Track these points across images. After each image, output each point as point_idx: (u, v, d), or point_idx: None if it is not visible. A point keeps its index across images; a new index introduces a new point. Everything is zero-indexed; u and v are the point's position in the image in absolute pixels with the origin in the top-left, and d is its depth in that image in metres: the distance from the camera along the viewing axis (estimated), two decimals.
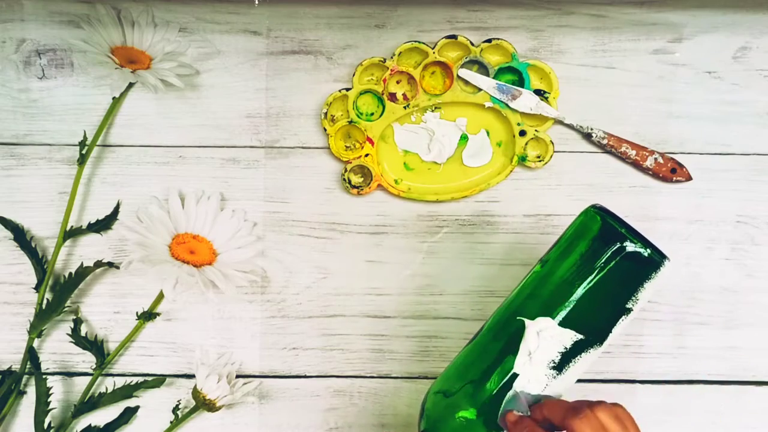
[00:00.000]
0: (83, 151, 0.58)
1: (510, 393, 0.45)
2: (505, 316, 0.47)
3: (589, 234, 0.46)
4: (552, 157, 0.59)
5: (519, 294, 0.48)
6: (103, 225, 0.59)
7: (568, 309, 0.45)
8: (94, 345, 0.60)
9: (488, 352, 0.46)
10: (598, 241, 0.45)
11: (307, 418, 0.62)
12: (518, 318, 0.45)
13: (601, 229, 0.45)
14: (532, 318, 0.45)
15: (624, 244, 0.44)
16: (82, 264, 0.60)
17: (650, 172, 0.59)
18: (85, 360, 0.61)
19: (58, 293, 0.58)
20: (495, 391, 0.45)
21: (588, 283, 0.45)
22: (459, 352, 0.49)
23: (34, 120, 0.59)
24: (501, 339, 0.46)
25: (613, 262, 0.44)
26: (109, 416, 0.61)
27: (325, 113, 0.58)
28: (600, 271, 0.44)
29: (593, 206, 0.47)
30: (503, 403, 0.45)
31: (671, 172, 0.59)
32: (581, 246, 0.46)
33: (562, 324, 0.45)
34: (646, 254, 0.44)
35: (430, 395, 0.48)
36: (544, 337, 0.45)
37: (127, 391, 0.60)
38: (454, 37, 0.57)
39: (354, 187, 0.59)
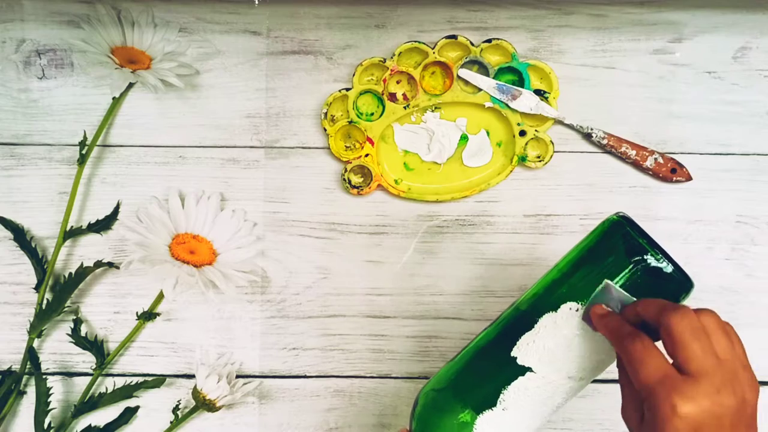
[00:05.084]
0: (83, 151, 0.58)
1: (600, 285, 0.41)
2: (510, 321, 0.45)
3: (607, 243, 0.42)
4: (552, 157, 0.59)
5: (527, 298, 0.45)
6: (103, 225, 0.59)
7: None
8: (94, 345, 0.60)
9: (488, 355, 0.45)
10: (615, 251, 0.41)
11: (307, 418, 0.62)
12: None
13: (621, 238, 0.42)
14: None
15: (644, 258, 0.40)
16: (82, 264, 0.60)
17: (650, 172, 0.59)
18: (85, 360, 0.61)
19: (58, 293, 0.58)
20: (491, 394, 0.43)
21: None
22: (457, 353, 0.48)
23: (34, 120, 0.59)
24: (503, 344, 0.44)
25: (630, 276, 0.41)
26: (109, 416, 0.61)
27: (325, 113, 0.59)
28: (615, 284, 0.41)
29: (616, 214, 0.43)
30: (591, 297, 0.41)
31: (671, 172, 0.59)
32: (597, 254, 0.42)
33: None
34: (668, 271, 0.40)
35: (422, 395, 0.47)
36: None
37: (127, 391, 0.60)
38: (454, 37, 0.57)
39: (354, 187, 0.59)
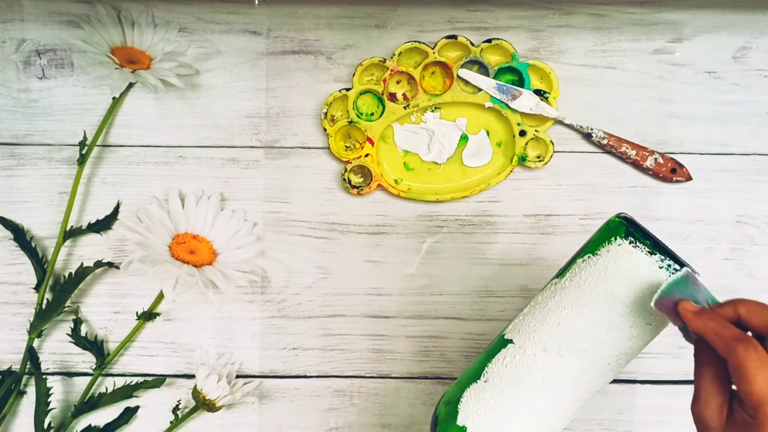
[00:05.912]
0: (83, 151, 0.58)
1: (680, 274, 0.39)
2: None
3: (610, 246, 0.42)
4: (552, 157, 0.59)
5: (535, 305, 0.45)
6: (103, 225, 0.59)
7: None
8: (94, 345, 0.60)
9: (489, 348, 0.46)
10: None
11: (307, 418, 0.62)
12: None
13: (624, 241, 0.41)
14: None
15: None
16: (82, 264, 0.60)
17: (650, 172, 0.59)
18: (85, 360, 0.61)
19: (58, 293, 0.58)
20: None
21: None
22: (475, 359, 0.48)
23: (34, 120, 0.59)
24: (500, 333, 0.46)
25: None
26: (109, 416, 0.61)
27: (325, 113, 0.59)
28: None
29: (618, 215, 0.43)
30: (666, 286, 0.38)
31: (671, 172, 0.59)
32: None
33: None
34: (674, 269, 0.40)
35: (441, 403, 0.47)
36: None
37: (127, 391, 0.60)
38: (454, 37, 0.57)
39: (354, 187, 0.59)
